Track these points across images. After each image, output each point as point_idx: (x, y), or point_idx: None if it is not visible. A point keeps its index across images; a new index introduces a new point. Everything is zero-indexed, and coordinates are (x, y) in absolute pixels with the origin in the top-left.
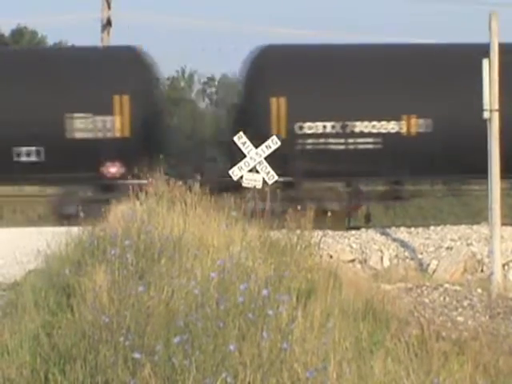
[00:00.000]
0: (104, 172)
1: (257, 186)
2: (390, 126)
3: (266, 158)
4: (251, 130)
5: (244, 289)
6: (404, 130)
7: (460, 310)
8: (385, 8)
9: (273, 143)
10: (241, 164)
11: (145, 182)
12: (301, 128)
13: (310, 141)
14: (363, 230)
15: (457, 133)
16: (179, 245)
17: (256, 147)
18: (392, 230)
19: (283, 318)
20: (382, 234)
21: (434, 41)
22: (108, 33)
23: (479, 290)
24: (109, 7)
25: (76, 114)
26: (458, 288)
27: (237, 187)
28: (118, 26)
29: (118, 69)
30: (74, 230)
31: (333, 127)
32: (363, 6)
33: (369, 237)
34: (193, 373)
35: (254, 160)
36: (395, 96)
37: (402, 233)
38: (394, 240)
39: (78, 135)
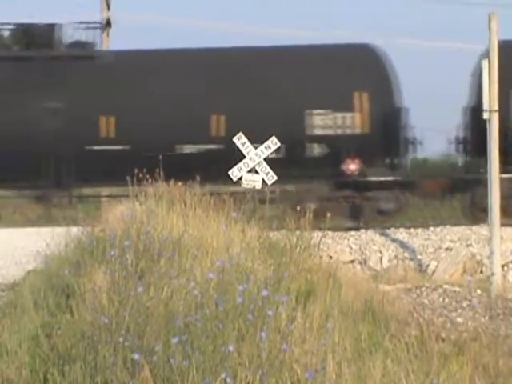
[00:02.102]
0: None
1: (256, 187)
2: None
3: None
4: None
5: (243, 290)
6: None
7: (459, 310)
8: (385, 7)
9: (272, 144)
10: (240, 165)
11: None
12: None
13: None
14: (363, 230)
15: None
16: (178, 245)
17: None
18: (391, 231)
19: (282, 318)
20: (382, 234)
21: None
22: (108, 34)
23: (479, 291)
24: (108, 8)
25: None
26: (457, 289)
27: None
28: (117, 27)
29: None
30: (74, 230)
31: None
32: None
33: (368, 238)
34: (192, 373)
35: (254, 161)
36: None
37: (402, 233)
38: (394, 241)
39: None
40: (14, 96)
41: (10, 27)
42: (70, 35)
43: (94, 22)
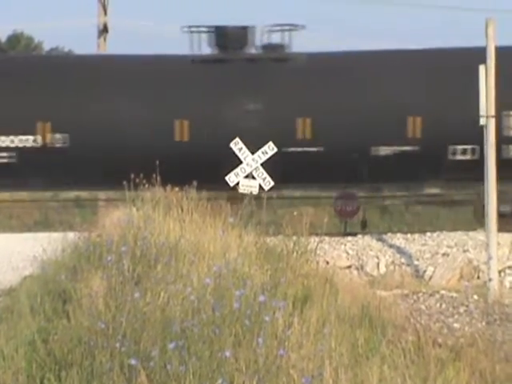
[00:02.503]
0: None
1: (253, 192)
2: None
3: None
4: None
5: (240, 295)
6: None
7: (456, 316)
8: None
9: (269, 149)
10: (237, 170)
11: None
12: None
13: None
14: (360, 236)
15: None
16: (175, 251)
17: None
18: (388, 237)
19: (279, 324)
20: (379, 240)
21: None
22: (104, 39)
23: (475, 297)
24: (105, 13)
25: None
26: (454, 294)
27: None
28: (114, 32)
29: None
30: (70, 235)
31: None
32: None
33: (365, 243)
34: (189, 379)
35: (251, 166)
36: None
37: (399, 239)
38: (391, 246)
39: None
40: (211, 99)
41: (204, 30)
42: (262, 37)
43: (286, 25)
